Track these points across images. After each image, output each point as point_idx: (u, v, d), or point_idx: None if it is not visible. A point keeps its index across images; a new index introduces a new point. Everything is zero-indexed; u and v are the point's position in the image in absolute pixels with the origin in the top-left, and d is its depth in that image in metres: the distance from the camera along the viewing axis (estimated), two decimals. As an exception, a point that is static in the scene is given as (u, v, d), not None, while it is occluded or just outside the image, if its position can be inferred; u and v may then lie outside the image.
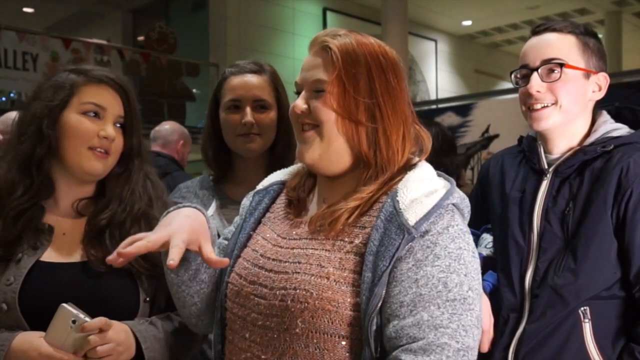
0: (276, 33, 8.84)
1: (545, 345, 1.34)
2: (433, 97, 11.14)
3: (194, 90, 8.55)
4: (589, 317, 1.32)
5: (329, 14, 9.79)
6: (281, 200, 1.20)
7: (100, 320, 1.14)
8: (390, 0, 7.73)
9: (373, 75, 1.05)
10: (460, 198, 1.03)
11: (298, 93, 1.11)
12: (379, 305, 0.95)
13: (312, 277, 0.99)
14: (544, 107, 1.41)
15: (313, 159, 1.07)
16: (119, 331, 1.18)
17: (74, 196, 1.35)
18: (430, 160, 1.11)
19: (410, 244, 0.96)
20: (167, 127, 3.95)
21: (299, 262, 1.03)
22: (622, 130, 1.42)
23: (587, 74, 1.42)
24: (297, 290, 0.99)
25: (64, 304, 1.14)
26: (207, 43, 8.81)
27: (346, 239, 1.02)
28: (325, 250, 1.02)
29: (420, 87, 11.27)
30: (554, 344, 1.34)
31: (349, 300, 0.97)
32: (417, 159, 1.10)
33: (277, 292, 1.01)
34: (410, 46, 8.51)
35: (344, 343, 0.97)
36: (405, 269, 0.96)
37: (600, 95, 1.45)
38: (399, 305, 0.94)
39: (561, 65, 1.39)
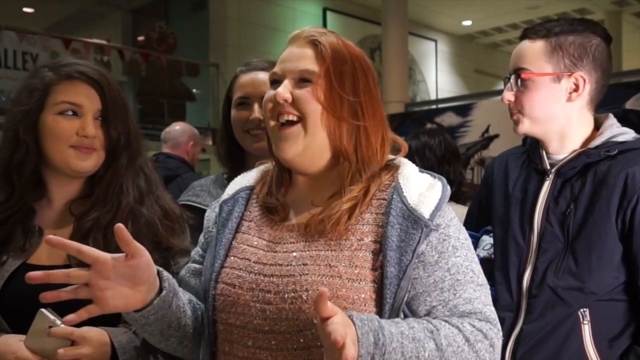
0: (276, 33, 8.82)
1: (543, 345, 1.35)
2: (433, 97, 11.13)
3: (194, 90, 8.55)
4: (589, 318, 1.32)
5: (329, 14, 9.78)
6: (253, 206, 1.17)
7: (67, 329, 1.11)
8: (390, 0, 7.72)
9: (358, 75, 1.08)
10: (449, 190, 1.08)
11: (273, 83, 1.10)
12: (406, 298, 0.99)
13: (324, 277, 0.99)
14: (516, 114, 1.44)
15: (295, 154, 1.07)
16: (95, 343, 1.14)
17: (67, 195, 1.33)
18: (432, 168, 1.12)
19: (428, 237, 1.01)
20: (177, 128, 3.95)
21: (305, 264, 1.02)
22: (628, 135, 1.41)
23: (557, 77, 1.40)
24: (310, 292, 0.98)
25: (43, 309, 1.12)
26: (207, 43, 8.80)
27: (352, 238, 1.03)
28: (331, 250, 1.02)
29: (420, 87, 11.26)
30: (552, 345, 1.34)
31: (362, 296, 0.98)
32: (392, 157, 1.13)
33: (286, 296, 1.00)
34: (410, 46, 8.49)
35: None
36: (432, 261, 1.01)
37: (579, 95, 1.40)
38: (440, 291, 1.00)
39: (521, 74, 1.41)
